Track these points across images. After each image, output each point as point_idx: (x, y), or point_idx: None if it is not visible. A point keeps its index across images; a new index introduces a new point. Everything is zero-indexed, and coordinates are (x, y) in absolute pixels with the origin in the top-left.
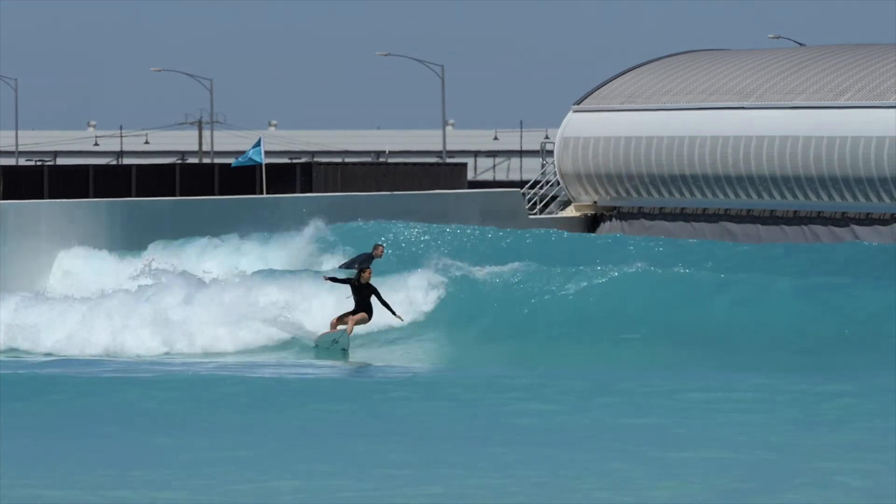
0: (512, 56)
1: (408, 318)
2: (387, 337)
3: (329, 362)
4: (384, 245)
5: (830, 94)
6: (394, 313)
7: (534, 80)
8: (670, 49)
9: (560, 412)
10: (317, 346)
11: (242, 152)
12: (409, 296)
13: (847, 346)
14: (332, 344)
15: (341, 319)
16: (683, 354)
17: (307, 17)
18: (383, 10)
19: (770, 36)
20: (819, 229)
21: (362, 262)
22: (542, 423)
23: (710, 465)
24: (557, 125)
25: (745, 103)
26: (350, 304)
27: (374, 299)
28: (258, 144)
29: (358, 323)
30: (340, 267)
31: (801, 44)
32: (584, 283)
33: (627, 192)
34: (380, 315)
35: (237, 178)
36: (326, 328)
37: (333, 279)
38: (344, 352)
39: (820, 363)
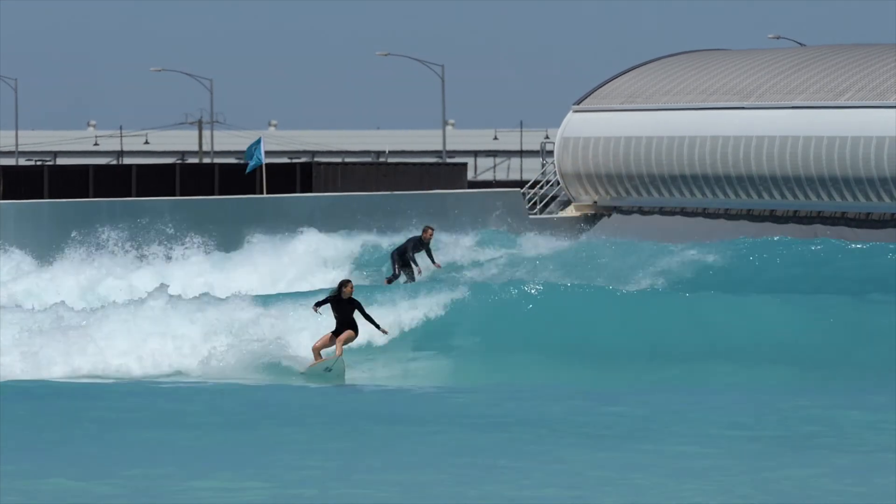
0: (512, 56)
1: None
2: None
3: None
4: (433, 229)
5: (830, 94)
6: (378, 327)
7: (534, 80)
8: (670, 49)
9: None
10: (305, 374)
11: (242, 152)
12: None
13: None
14: (326, 372)
15: (327, 343)
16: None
17: (307, 17)
18: (383, 10)
19: (770, 36)
20: (819, 229)
21: (416, 247)
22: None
23: None
24: (557, 125)
25: (745, 103)
26: (329, 324)
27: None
28: (258, 144)
29: (346, 342)
30: (392, 254)
31: (801, 44)
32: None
33: (627, 192)
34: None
35: (237, 177)
36: (310, 357)
37: (319, 304)
38: (339, 376)
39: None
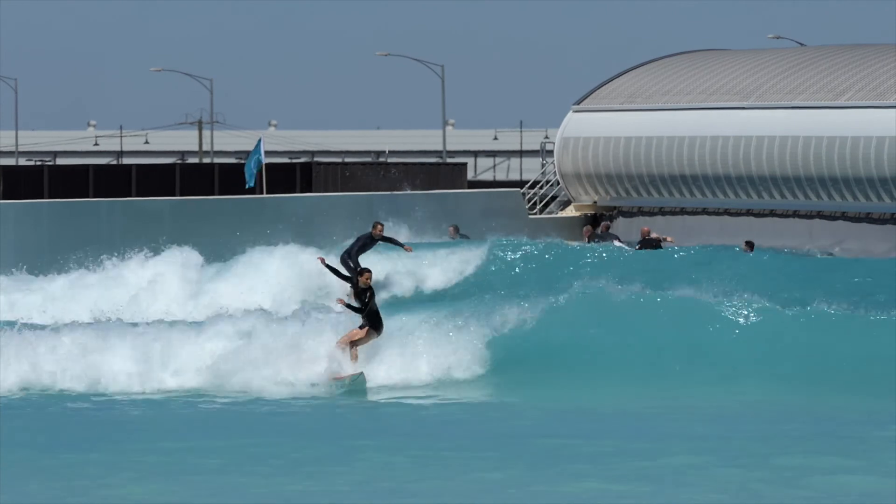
0: (512, 56)
1: None
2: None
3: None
4: (383, 224)
5: (830, 94)
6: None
7: (534, 80)
8: (670, 49)
9: None
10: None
11: (242, 152)
12: None
13: None
14: (352, 382)
15: (353, 342)
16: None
17: (307, 17)
18: (383, 10)
19: (770, 36)
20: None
21: (364, 245)
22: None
23: None
24: (557, 125)
25: (745, 103)
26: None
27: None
28: (258, 147)
29: (362, 342)
30: (344, 254)
31: (801, 44)
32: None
33: (627, 192)
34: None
35: (237, 177)
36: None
37: (332, 268)
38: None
39: None
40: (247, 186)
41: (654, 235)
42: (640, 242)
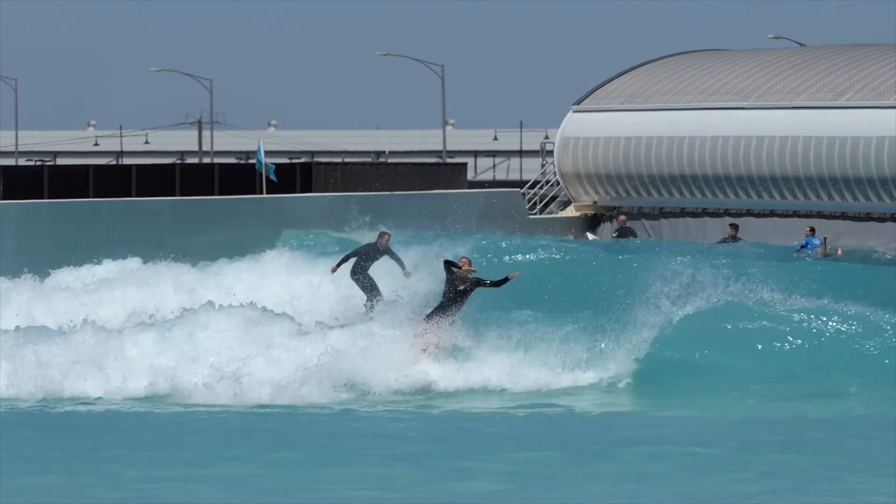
0: (512, 56)
1: None
2: None
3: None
4: (390, 234)
5: (830, 94)
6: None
7: (534, 80)
8: (670, 49)
9: None
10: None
11: (242, 152)
12: None
13: None
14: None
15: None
16: None
17: (307, 17)
18: (383, 10)
19: (770, 36)
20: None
21: (367, 256)
22: None
23: None
24: (557, 125)
25: (745, 103)
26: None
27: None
28: (259, 147)
29: (431, 347)
30: (345, 257)
31: (801, 44)
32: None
33: (627, 192)
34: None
35: (237, 178)
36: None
37: (449, 263)
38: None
39: None
40: (273, 181)
41: (628, 225)
42: (616, 231)
